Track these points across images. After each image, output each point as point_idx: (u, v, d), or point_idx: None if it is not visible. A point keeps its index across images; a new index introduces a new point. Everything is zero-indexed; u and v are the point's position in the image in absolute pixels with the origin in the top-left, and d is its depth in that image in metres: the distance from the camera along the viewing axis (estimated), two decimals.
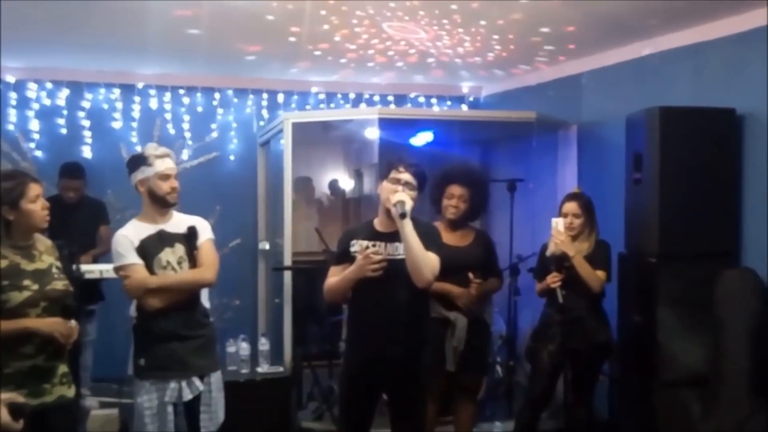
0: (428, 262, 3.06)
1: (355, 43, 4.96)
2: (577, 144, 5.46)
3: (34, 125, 5.89)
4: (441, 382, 3.78)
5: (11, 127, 5.82)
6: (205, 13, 4.25)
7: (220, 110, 6.33)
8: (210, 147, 6.27)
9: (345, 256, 3.23)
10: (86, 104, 6.02)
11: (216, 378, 3.30)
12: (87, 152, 5.98)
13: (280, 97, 6.44)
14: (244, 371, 4.58)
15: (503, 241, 5.22)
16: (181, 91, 6.21)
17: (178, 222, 3.27)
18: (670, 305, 3.87)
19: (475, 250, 3.92)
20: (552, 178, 5.60)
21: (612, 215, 4.36)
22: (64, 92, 5.96)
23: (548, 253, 3.97)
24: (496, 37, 4.75)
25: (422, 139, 5.70)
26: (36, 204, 2.79)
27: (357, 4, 4.08)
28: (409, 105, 6.70)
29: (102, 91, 6.07)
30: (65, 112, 5.97)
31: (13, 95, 5.84)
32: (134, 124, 6.11)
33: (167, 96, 6.18)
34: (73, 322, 2.82)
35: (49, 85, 5.95)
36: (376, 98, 6.64)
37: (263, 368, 4.63)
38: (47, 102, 5.95)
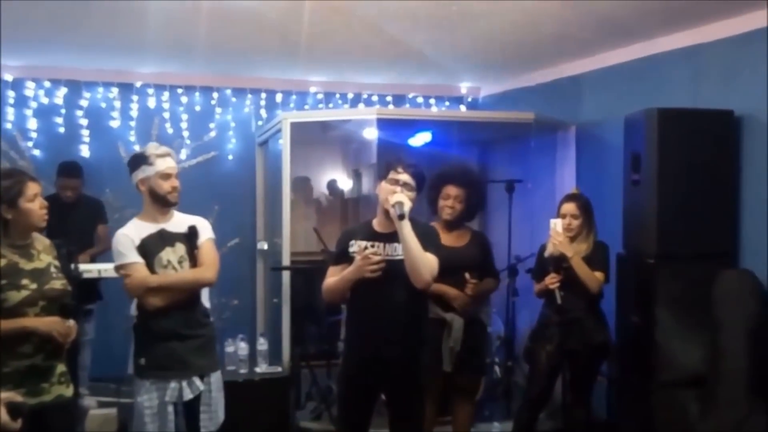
0: (427, 263, 3.06)
1: (353, 42, 4.96)
2: (575, 145, 5.47)
3: (32, 124, 5.88)
4: (438, 383, 3.78)
5: (9, 126, 5.82)
6: (203, 13, 4.25)
7: (218, 110, 6.33)
8: (208, 146, 6.26)
9: (343, 257, 3.23)
10: (84, 103, 6.01)
11: (216, 378, 3.30)
12: (85, 151, 5.98)
13: (279, 97, 6.43)
14: (242, 371, 4.58)
15: (502, 241, 5.22)
16: (180, 91, 6.21)
17: (178, 221, 3.28)
18: (668, 306, 3.88)
19: (472, 250, 3.91)
20: (550, 179, 5.60)
21: (610, 216, 4.36)
22: (62, 91, 5.96)
23: (546, 253, 3.97)
24: (494, 37, 4.75)
25: (421, 139, 5.69)
26: (34, 203, 2.79)
27: (356, 4, 4.08)
28: (407, 105, 6.70)
29: (100, 89, 6.06)
30: (63, 111, 5.96)
31: (11, 93, 5.83)
32: (132, 123, 6.11)
33: (165, 95, 6.18)
34: (71, 322, 2.82)
35: (47, 84, 5.94)
36: (375, 98, 6.64)
37: (262, 368, 4.63)
38: (45, 100, 5.94)
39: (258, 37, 4.89)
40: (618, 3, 3.94)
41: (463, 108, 6.82)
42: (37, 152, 5.88)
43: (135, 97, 6.11)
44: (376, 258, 3.07)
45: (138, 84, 6.11)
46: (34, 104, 5.90)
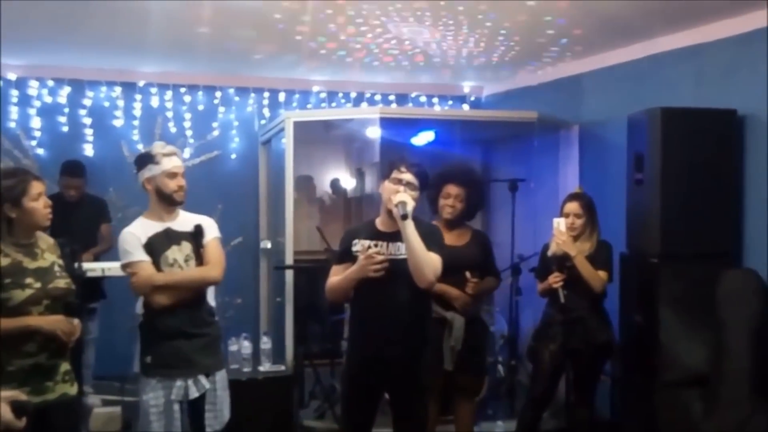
0: (430, 262, 3.06)
1: (357, 42, 4.96)
2: (578, 144, 5.47)
3: (36, 123, 5.89)
4: (439, 382, 3.78)
5: (13, 125, 5.83)
6: (206, 12, 4.25)
7: (221, 109, 6.33)
8: (211, 145, 6.27)
9: (347, 256, 3.23)
10: (88, 102, 6.02)
11: (221, 376, 3.31)
12: (88, 150, 5.99)
13: (282, 96, 6.43)
14: (246, 370, 4.59)
15: (505, 240, 5.22)
16: (183, 90, 6.21)
17: (184, 220, 3.29)
18: (671, 305, 3.88)
19: (472, 249, 3.91)
20: (553, 178, 5.60)
21: (613, 215, 4.36)
22: (66, 90, 5.97)
23: (550, 253, 3.97)
24: (498, 37, 4.75)
25: (423, 138, 5.70)
26: (38, 202, 2.79)
27: (360, 4, 4.09)
28: (410, 104, 6.70)
29: (103, 89, 6.07)
30: (67, 110, 5.97)
31: (14, 92, 5.84)
32: (135, 123, 6.11)
33: (168, 94, 6.18)
34: (75, 320, 2.82)
35: (50, 83, 5.95)
36: (378, 97, 6.64)
37: (265, 367, 4.64)
38: (49, 99, 5.95)
39: (261, 36, 4.89)
40: (620, 3, 3.94)
41: (466, 107, 6.81)
42: (40, 151, 5.89)
43: (138, 96, 6.12)
44: (380, 257, 3.07)
45: (141, 83, 6.12)
46: (37, 103, 5.91)
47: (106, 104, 6.08)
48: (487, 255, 4.01)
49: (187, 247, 3.23)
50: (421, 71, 6.03)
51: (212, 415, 3.25)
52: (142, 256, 3.13)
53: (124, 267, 3.20)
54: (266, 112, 6.40)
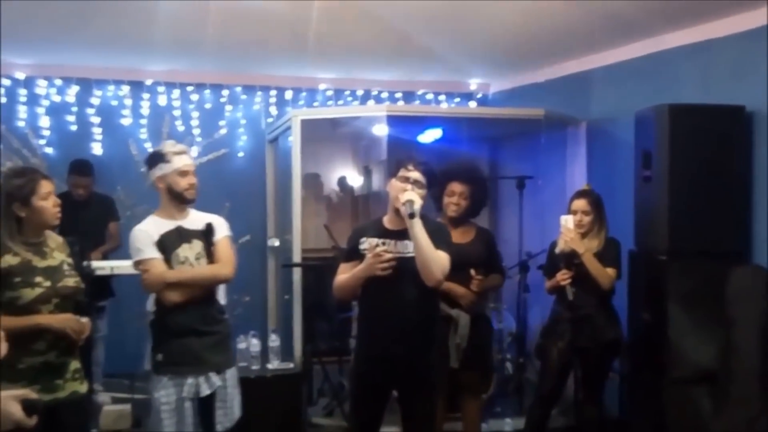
0: (438, 261, 3.06)
1: (363, 39, 4.95)
2: (586, 141, 5.45)
3: (44, 122, 5.92)
4: (445, 380, 3.78)
5: (21, 124, 5.85)
6: (213, 10, 4.26)
7: (228, 107, 6.34)
8: (219, 144, 6.28)
9: (354, 254, 3.23)
10: (95, 101, 6.04)
11: (231, 374, 3.32)
12: (96, 149, 6.01)
13: (288, 94, 6.44)
14: (254, 367, 4.59)
15: (512, 238, 5.22)
16: (190, 88, 6.22)
17: (195, 219, 3.30)
18: (680, 302, 3.86)
19: (477, 246, 3.92)
20: (561, 175, 5.59)
21: (621, 212, 4.35)
22: (74, 89, 5.98)
23: (558, 250, 3.97)
24: (504, 33, 4.75)
25: (430, 136, 5.69)
26: (47, 201, 2.81)
27: (365, 1, 4.08)
28: (417, 102, 6.69)
29: (111, 88, 6.08)
30: (75, 109, 5.99)
31: (23, 92, 5.86)
32: (143, 121, 6.13)
33: (176, 93, 6.20)
34: (85, 319, 2.83)
35: (58, 82, 5.97)
36: (385, 95, 6.64)
37: (273, 364, 4.64)
38: (57, 99, 5.97)
39: (268, 35, 4.90)
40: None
41: (472, 104, 6.81)
42: (49, 150, 5.91)
43: (146, 95, 6.13)
44: (388, 256, 3.06)
45: (149, 82, 6.14)
46: (45, 102, 5.94)
47: (114, 103, 6.09)
48: (492, 252, 4.01)
49: (198, 245, 3.25)
50: (428, 69, 6.02)
51: (223, 412, 3.26)
52: (154, 254, 3.15)
53: (136, 264, 3.21)
54: (273, 110, 6.41)
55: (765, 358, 3.33)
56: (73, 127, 5.98)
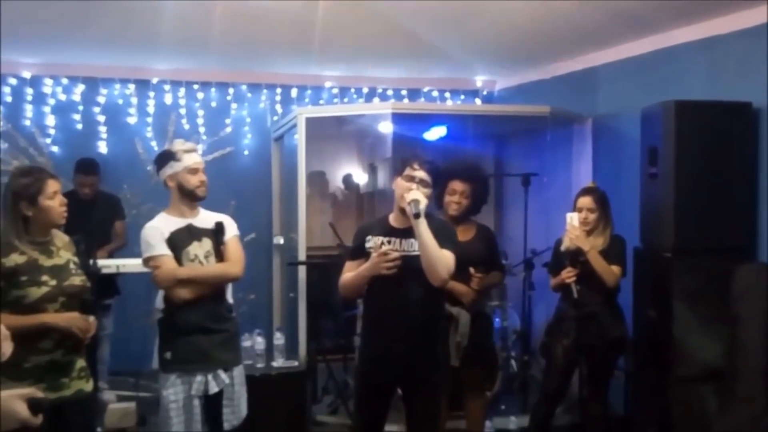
0: (443, 259, 3.05)
1: (368, 37, 4.95)
2: (592, 138, 5.44)
3: (50, 121, 5.93)
4: (447, 378, 3.77)
5: (28, 123, 5.87)
6: (218, 9, 4.26)
7: (234, 105, 6.35)
8: (224, 142, 6.29)
9: (360, 252, 3.23)
10: (101, 99, 6.05)
11: (239, 372, 3.34)
12: (102, 147, 6.02)
13: (294, 92, 6.44)
14: (259, 365, 4.60)
15: (518, 235, 5.21)
16: (196, 87, 6.24)
17: (205, 217, 3.33)
18: (685, 300, 3.85)
19: (478, 245, 3.92)
20: (567, 173, 5.58)
21: (627, 210, 4.34)
22: (80, 88, 6.00)
23: (563, 247, 3.96)
24: (510, 30, 4.73)
25: (436, 133, 5.69)
26: (54, 200, 2.82)
27: (371, 0, 4.09)
28: (422, 99, 6.68)
29: (117, 86, 6.10)
30: (81, 108, 6.00)
31: (29, 91, 5.88)
32: (149, 120, 6.14)
33: (181, 91, 6.20)
34: (90, 317, 2.85)
35: (64, 81, 5.98)
36: (390, 92, 6.63)
37: (278, 362, 4.66)
38: (63, 97, 5.98)
39: (273, 33, 4.90)
40: None
41: (478, 101, 6.80)
42: (55, 149, 5.93)
43: (151, 94, 6.14)
44: (393, 255, 3.06)
45: (154, 80, 6.15)
46: (52, 101, 5.95)
47: (120, 102, 6.11)
48: (492, 250, 4.02)
49: (207, 243, 3.26)
50: (433, 66, 6.01)
51: (230, 410, 3.27)
52: (164, 250, 3.17)
53: (146, 261, 3.22)
54: (278, 108, 6.41)
55: None
56: (79, 126, 5.99)
